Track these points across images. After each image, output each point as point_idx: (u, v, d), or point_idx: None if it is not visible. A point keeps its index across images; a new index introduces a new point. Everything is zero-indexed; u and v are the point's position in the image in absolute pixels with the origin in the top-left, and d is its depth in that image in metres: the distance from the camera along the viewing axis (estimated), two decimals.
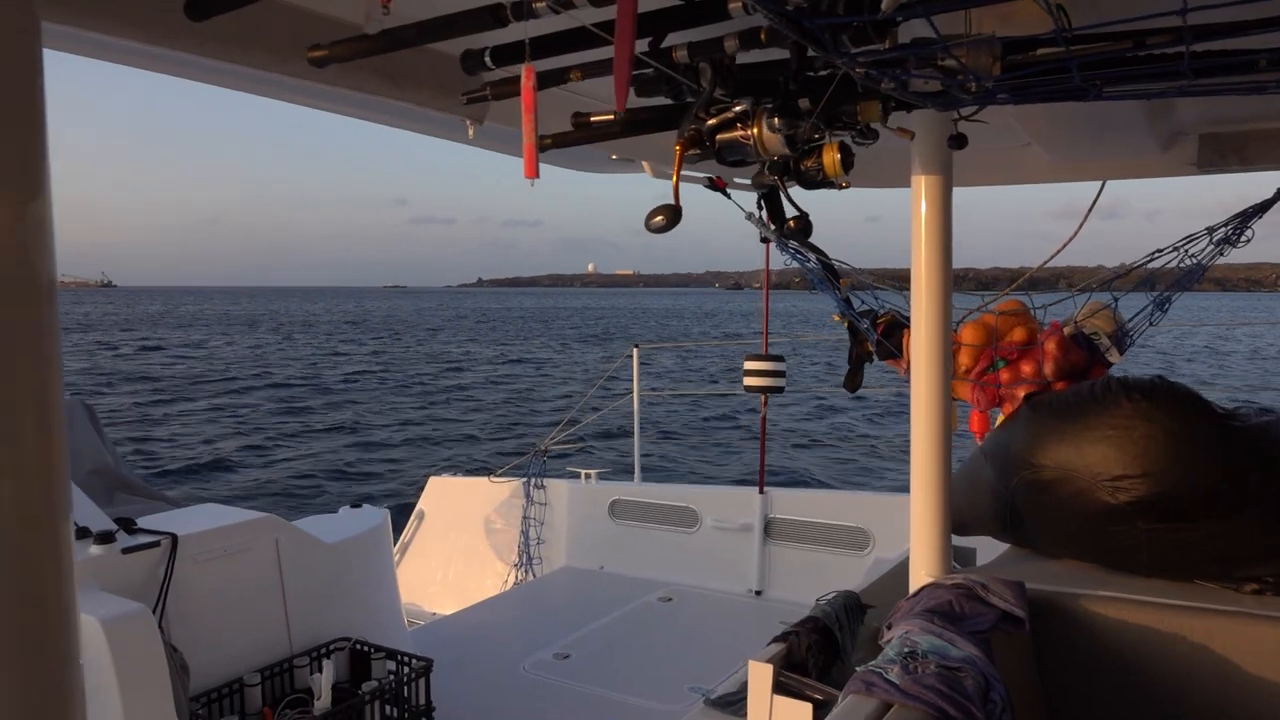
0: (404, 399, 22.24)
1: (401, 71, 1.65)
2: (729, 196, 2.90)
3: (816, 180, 1.41)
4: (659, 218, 1.37)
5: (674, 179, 1.40)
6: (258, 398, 22.11)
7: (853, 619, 2.38)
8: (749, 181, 2.81)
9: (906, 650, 1.56)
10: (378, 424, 18.21)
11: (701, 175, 2.90)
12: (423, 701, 2.85)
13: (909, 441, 2.08)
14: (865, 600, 2.39)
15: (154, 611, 2.27)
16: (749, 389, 4.61)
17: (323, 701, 2.63)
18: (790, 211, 1.98)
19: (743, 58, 1.31)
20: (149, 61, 1.68)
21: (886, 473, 13.48)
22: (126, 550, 2.24)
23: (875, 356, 2.83)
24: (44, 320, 0.43)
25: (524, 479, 5.26)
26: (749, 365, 4.58)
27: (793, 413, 19.55)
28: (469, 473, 5.89)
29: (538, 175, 1.25)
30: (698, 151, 1.40)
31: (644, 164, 2.72)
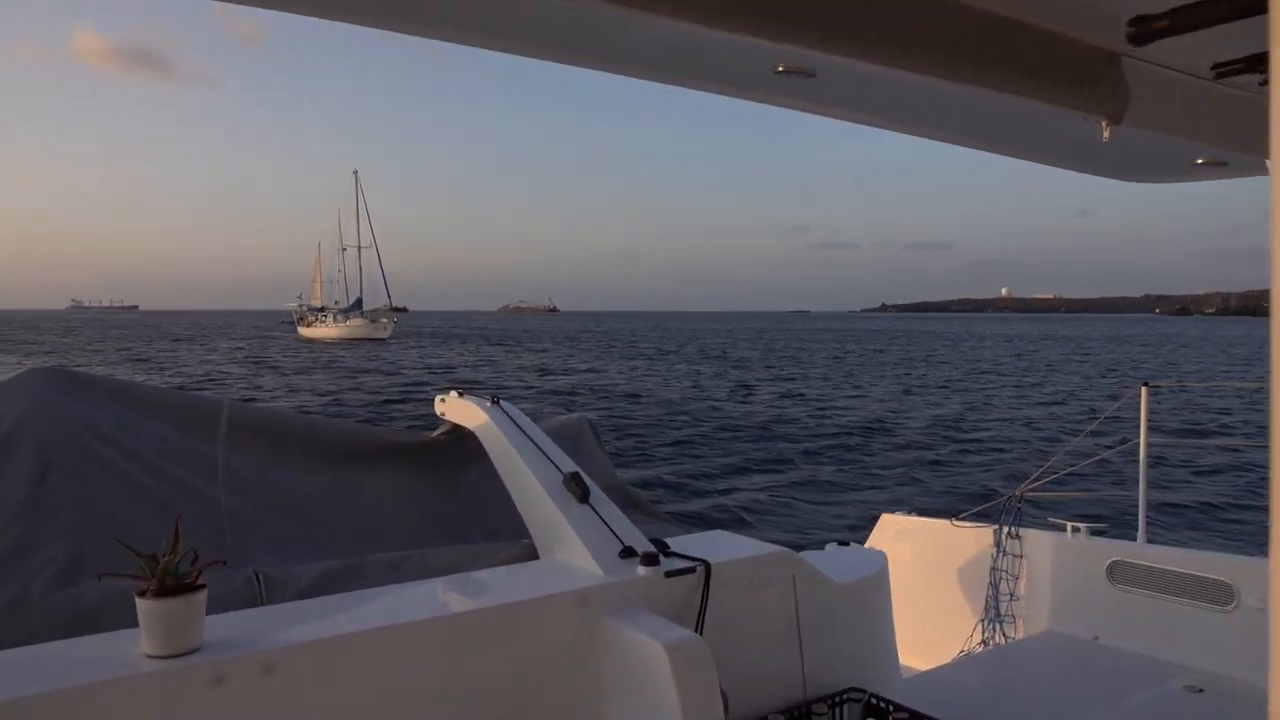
0: (836, 429, 20.80)
1: (1041, 62, 1.40)
2: None
3: None
4: None
5: None
6: (688, 425, 22.37)
7: None
8: None
9: None
10: (810, 450, 17.35)
11: None
12: None
13: None
14: None
15: None
16: None
17: None
18: None
19: None
20: None
21: None
22: (670, 574, 2.25)
23: None
24: None
25: (994, 526, 4.73)
26: None
27: None
28: (922, 513, 5.47)
29: None
30: None
31: (1269, 163, 2.16)
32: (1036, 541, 4.57)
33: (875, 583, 2.91)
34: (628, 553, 2.31)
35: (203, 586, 1.77)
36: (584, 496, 2.52)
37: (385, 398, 26.72)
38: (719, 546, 2.53)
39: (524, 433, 2.90)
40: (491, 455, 2.96)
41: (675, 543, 2.52)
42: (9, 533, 2.17)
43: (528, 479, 2.65)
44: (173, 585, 1.72)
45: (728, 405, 25.54)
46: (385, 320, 70.10)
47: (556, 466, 2.68)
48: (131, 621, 1.80)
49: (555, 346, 66.85)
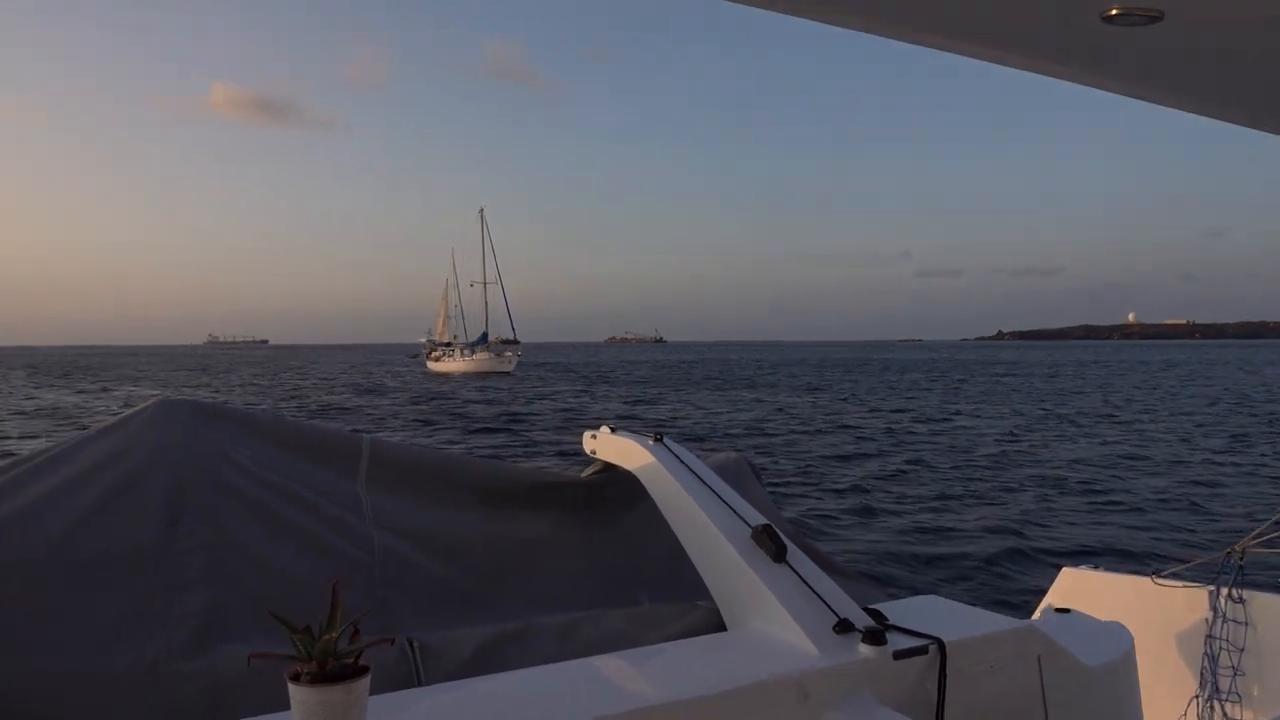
0: (990, 469, 17.95)
1: None
2: None
3: None
4: None
5: None
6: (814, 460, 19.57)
7: None
8: None
9: None
10: (951, 493, 14.86)
11: None
12: None
13: None
14: None
15: None
16: None
17: None
18: None
19: None
20: None
21: None
22: (898, 655, 1.86)
23: None
24: None
25: (1208, 587, 4.06)
26: None
27: None
28: (1111, 568, 4.79)
29: None
30: None
31: None
32: (1269, 607, 3.90)
33: (1126, 665, 2.43)
34: (844, 626, 1.93)
35: (367, 670, 1.48)
36: (780, 554, 2.15)
37: (521, 431, 26.46)
38: (944, 618, 2.12)
39: (698, 477, 2.56)
40: (658, 501, 2.63)
41: (889, 611, 2.12)
42: (136, 584, 1.93)
43: (708, 531, 2.30)
44: (334, 670, 1.44)
45: (847, 439, 24.37)
46: (510, 354, 71.51)
47: (741, 517, 2.32)
48: (277, 700, 1.53)
49: (668, 376, 66.14)
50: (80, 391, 46.32)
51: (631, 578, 2.82)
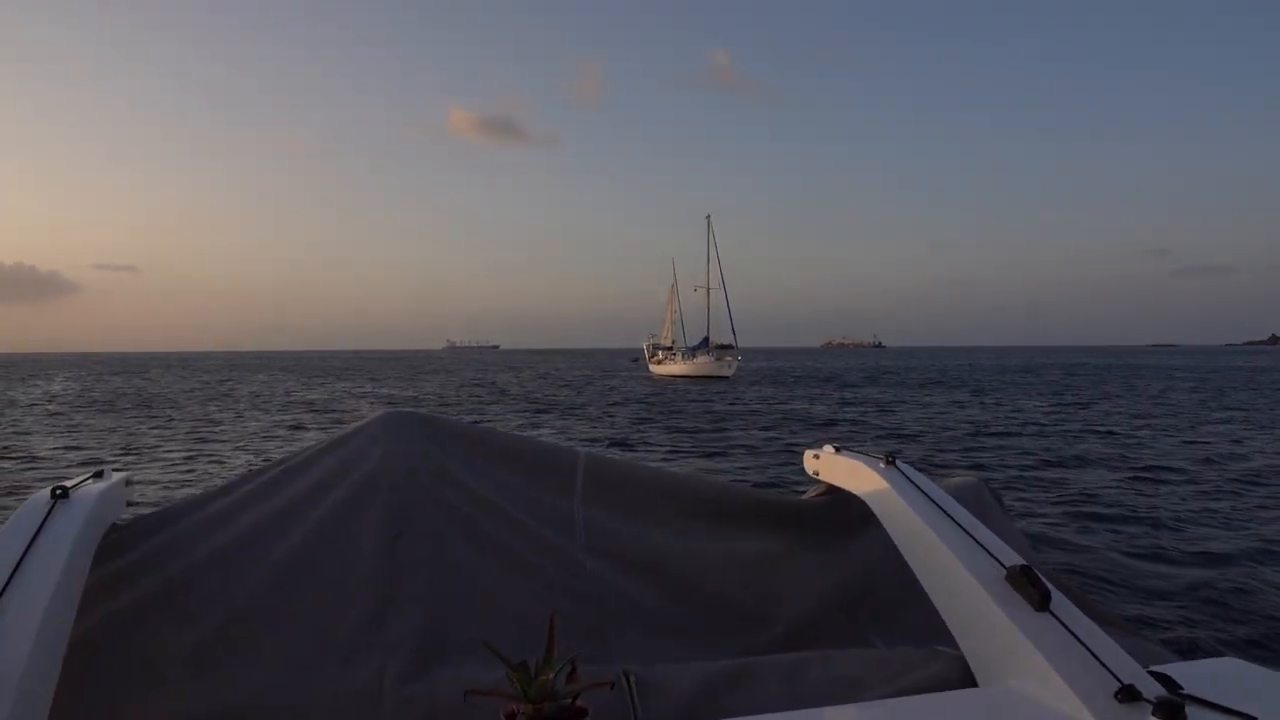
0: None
1: None
2: None
3: None
4: None
5: None
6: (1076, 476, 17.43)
7: None
8: None
9: None
10: (1230, 526, 12.56)
11: None
12: None
13: None
14: None
15: None
16: None
17: None
18: None
19: None
20: None
21: None
22: None
23: None
24: None
25: None
26: None
27: None
28: None
29: None
30: None
31: None
32: None
33: None
34: (1129, 693, 1.62)
35: (585, 713, 1.40)
36: (1043, 601, 1.86)
37: (735, 436, 25.84)
38: (1253, 688, 1.75)
39: (938, 506, 2.31)
40: (891, 531, 2.40)
41: (1180, 676, 1.78)
42: (363, 601, 1.96)
43: (953, 569, 2.05)
44: (550, 712, 1.37)
45: (1086, 455, 22.14)
46: (729, 358, 71.96)
47: (992, 554, 2.05)
48: None
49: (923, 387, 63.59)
50: (332, 394, 51.13)
51: (861, 615, 2.61)
